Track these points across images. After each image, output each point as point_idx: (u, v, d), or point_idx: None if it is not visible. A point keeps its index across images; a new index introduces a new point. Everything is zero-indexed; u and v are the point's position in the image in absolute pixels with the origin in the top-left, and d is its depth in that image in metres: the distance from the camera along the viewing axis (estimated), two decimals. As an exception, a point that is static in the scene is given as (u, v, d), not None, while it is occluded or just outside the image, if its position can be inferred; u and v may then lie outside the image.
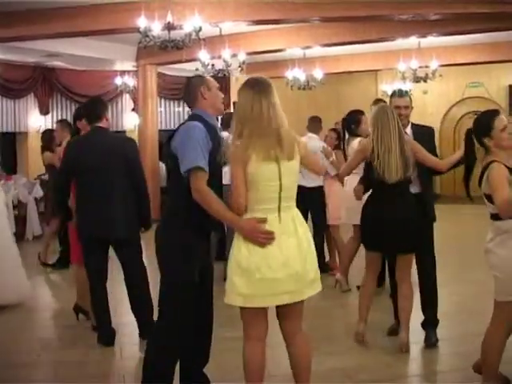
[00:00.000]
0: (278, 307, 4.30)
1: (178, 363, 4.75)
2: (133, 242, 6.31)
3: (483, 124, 4.81)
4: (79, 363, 5.93)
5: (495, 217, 4.65)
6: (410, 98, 6.40)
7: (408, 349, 6.01)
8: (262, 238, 4.07)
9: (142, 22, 9.86)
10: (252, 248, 4.06)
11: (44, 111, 16.98)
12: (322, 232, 9.34)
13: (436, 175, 6.45)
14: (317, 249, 4.55)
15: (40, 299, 8.95)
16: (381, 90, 19.51)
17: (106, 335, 6.41)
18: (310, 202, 8.88)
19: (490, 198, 4.59)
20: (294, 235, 4.15)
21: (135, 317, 6.43)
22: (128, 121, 18.29)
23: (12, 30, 11.80)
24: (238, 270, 4.11)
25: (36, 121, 16.77)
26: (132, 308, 6.45)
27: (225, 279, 4.24)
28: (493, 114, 4.85)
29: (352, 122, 8.36)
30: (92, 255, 6.39)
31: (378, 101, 8.99)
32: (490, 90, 19.72)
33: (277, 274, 4.05)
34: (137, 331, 6.50)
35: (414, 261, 6.22)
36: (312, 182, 8.98)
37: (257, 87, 4.13)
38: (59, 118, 16.87)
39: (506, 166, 4.59)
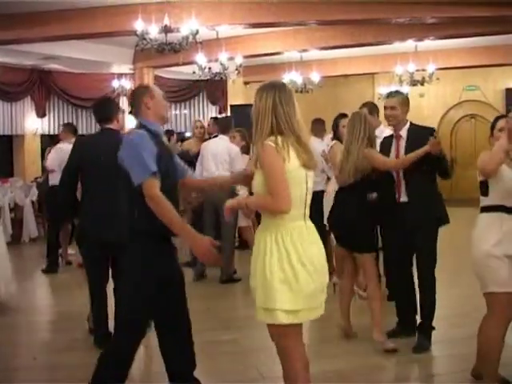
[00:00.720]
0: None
1: (165, 369, 4.66)
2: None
3: (491, 125, 5.15)
4: (75, 366, 5.91)
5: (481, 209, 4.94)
6: (405, 100, 6.40)
7: (390, 348, 6.03)
8: (217, 261, 4.13)
9: (139, 24, 9.87)
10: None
11: (41, 114, 16.97)
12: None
13: (444, 178, 6.41)
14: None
15: (38, 302, 8.94)
16: (378, 93, 19.51)
17: (104, 338, 6.39)
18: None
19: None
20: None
21: None
22: (125, 123, 18.25)
23: (9, 32, 11.80)
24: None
25: (33, 123, 16.77)
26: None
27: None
28: (497, 117, 5.19)
29: (334, 126, 8.38)
30: (96, 258, 6.35)
31: (365, 104, 8.96)
32: (487, 94, 19.75)
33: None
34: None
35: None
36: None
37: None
38: (56, 120, 16.92)
39: None
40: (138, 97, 4.57)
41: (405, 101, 6.41)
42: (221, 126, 9.82)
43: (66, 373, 5.78)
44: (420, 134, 6.22)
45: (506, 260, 4.71)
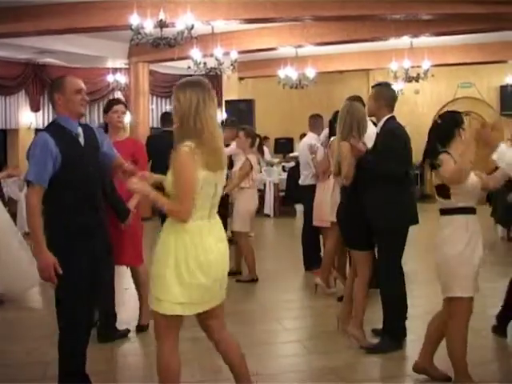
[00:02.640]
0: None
1: None
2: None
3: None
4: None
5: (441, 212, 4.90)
6: (378, 93, 6.23)
7: (362, 343, 6.05)
8: (51, 279, 4.27)
9: (134, 19, 9.85)
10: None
11: (35, 108, 16.94)
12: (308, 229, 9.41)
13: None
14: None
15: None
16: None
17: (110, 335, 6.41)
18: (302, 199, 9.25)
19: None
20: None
21: None
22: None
23: (4, 26, 11.77)
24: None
25: (27, 118, 16.73)
26: None
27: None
28: None
29: (333, 121, 8.40)
30: None
31: (349, 98, 8.99)
32: (482, 91, 19.74)
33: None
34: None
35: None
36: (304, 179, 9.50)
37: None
38: (50, 115, 16.88)
39: None
40: (50, 93, 4.61)
41: (378, 94, 6.22)
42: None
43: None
44: (383, 131, 6.10)
45: (474, 263, 4.72)
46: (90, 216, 4.53)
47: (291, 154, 17.30)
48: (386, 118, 6.14)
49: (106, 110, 6.64)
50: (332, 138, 7.80)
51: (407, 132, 6.24)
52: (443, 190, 4.81)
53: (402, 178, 6.03)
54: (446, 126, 4.92)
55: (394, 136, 6.04)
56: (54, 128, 4.49)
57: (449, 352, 4.91)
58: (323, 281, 8.28)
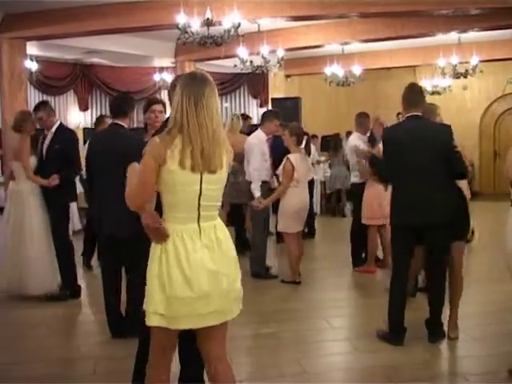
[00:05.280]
0: (201, 329, 3.75)
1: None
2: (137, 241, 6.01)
3: None
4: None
5: None
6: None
7: None
8: None
9: (181, 18, 9.90)
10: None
11: (83, 108, 17.15)
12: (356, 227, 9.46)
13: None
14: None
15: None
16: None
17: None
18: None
19: None
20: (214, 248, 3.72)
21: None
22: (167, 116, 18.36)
23: (52, 27, 11.96)
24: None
25: (76, 117, 16.94)
26: None
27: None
28: None
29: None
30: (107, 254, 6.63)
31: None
32: (531, 86, 19.48)
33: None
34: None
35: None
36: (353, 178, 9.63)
37: None
38: (98, 114, 17.04)
39: None
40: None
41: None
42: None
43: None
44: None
45: None
46: None
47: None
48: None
49: (145, 110, 6.59)
50: None
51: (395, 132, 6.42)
52: None
53: (386, 180, 6.57)
54: None
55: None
56: None
57: None
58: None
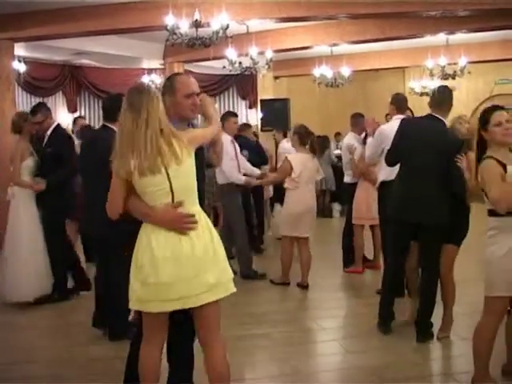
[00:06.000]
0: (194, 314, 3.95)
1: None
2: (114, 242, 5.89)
3: (482, 118, 4.85)
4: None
5: (488, 212, 4.71)
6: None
7: None
8: None
9: (169, 19, 9.88)
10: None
11: (72, 109, 17.11)
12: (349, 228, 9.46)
13: None
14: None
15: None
16: (408, 87, 19.37)
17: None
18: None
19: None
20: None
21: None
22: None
23: (40, 28, 11.89)
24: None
25: (64, 119, 16.89)
26: None
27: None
28: (492, 109, 4.86)
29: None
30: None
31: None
32: (520, 87, 19.56)
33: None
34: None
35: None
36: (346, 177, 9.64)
37: None
38: (87, 115, 17.07)
39: (499, 161, 4.59)
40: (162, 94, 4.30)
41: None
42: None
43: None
44: None
45: None
46: None
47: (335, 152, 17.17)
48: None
49: None
50: None
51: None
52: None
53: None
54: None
55: None
56: None
57: (473, 349, 4.85)
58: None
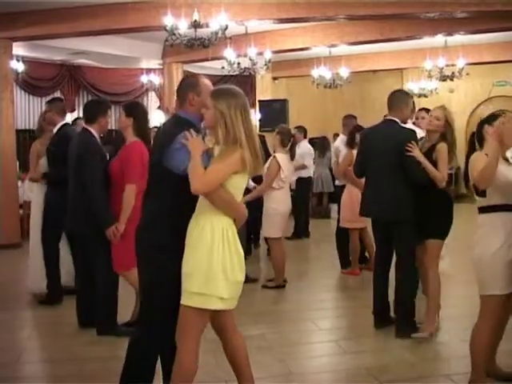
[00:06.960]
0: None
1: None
2: (93, 237, 6.30)
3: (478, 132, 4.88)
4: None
5: (479, 210, 4.76)
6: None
7: None
8: None
9: (168, 20, 9.89)
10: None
11: (70, 109, 17.09)
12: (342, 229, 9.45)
13: None
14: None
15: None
16: (406, 89, 19.36)
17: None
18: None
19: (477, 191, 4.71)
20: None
21: None
22: (153, 118, 18.34)
23: (39, 28, 11.90)
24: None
25: (62, 118, 16.87)
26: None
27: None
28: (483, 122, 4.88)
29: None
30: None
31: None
32: (518, 89, 19.55)
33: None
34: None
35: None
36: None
37: None
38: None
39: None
40: (183, 89, 4.32)
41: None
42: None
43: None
44: None
45: (509, 262, 4.57)
46: None
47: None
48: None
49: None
50: None
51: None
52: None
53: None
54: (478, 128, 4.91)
55: None
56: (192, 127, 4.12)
57: (470, 350, 4.86)
58: None
